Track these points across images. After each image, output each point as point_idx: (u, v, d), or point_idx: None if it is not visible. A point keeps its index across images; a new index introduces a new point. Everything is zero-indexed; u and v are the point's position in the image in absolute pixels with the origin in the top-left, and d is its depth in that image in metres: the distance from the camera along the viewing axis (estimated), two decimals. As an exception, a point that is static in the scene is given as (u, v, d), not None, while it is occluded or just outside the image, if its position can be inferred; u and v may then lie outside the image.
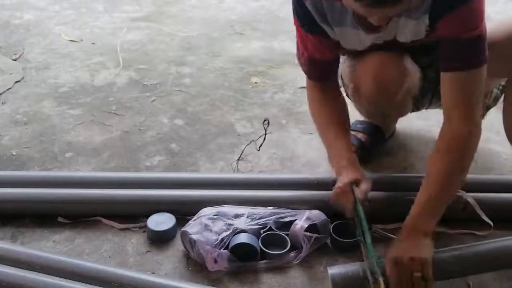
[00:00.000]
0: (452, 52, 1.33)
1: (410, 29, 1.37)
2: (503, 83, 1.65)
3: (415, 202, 1.34)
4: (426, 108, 1.73)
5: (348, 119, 1.58)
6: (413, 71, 1.53)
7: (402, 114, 1.77)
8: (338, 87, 1.60)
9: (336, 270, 1.30)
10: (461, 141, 1.34)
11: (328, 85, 1.56)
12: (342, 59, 1.62)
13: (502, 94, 1.67)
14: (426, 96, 1.64)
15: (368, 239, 1.29)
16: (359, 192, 1.37)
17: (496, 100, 1.71)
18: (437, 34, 1.34)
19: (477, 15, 1.29)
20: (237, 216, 1.46)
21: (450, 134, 1.36)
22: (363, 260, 1.31)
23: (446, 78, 1.36)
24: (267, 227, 1.47)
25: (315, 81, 1.56)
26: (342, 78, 1.67)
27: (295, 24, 1.48)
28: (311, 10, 1.40)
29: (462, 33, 1.29)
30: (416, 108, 1.70)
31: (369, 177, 1.44)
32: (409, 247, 1.26)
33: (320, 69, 1.54)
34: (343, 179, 1.40)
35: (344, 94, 1.65)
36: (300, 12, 1.43)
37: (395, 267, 1.23)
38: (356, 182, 1.39)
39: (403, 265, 1.23)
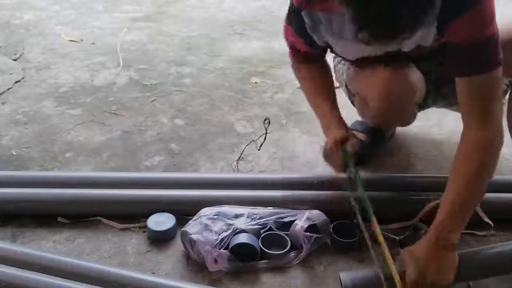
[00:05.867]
0: (464, 57, 1.26)
1: (416, 38, 1.31)
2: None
3: (438, 212, 1.29)
4: (429, 107, 1.72)
5: (333, 85, 1.58)
6: (420, 83, 1.50)
7: (409, 123, 1.75)
8: (323, 60, 1.59)
9: (347, 275, 1.29)
10: (484, 147, 1.28)
11: (314, 62, 1.57)
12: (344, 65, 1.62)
13: (509, 88, 1.64)
14: (429, 98, 1.61)
15: (358, 178, 1.38)
16: (347, 146, 1.43)
17: (504, 94, 1.66)
18: (445, 40, 1.29)
19: (487, 17, 1.23)
20: (237, 216, 1.46)
21: (472, 140, 1.28)
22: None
23: (461, 84, 1.29)
24: (267, 227, 1.47)
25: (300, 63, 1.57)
26: (346, 86, 1.65)
27: (286, 23, 1.47)
28: (306, 21, 1.39)
29: (472, 36, 1.23)
30: (420, 108, 1.69)
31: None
32: (432, 267, 1.22)
33: (307, 57, 1.54)
34: (330, 138, 1.46)
35: (349, 101, 1.65)
36: (294, 20, 1.42)
37: None
38: (342, 140, 1.44)
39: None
